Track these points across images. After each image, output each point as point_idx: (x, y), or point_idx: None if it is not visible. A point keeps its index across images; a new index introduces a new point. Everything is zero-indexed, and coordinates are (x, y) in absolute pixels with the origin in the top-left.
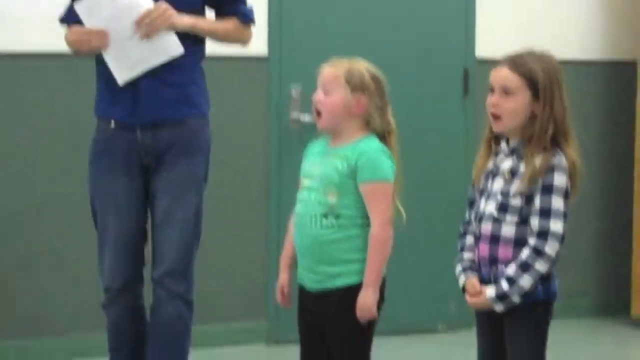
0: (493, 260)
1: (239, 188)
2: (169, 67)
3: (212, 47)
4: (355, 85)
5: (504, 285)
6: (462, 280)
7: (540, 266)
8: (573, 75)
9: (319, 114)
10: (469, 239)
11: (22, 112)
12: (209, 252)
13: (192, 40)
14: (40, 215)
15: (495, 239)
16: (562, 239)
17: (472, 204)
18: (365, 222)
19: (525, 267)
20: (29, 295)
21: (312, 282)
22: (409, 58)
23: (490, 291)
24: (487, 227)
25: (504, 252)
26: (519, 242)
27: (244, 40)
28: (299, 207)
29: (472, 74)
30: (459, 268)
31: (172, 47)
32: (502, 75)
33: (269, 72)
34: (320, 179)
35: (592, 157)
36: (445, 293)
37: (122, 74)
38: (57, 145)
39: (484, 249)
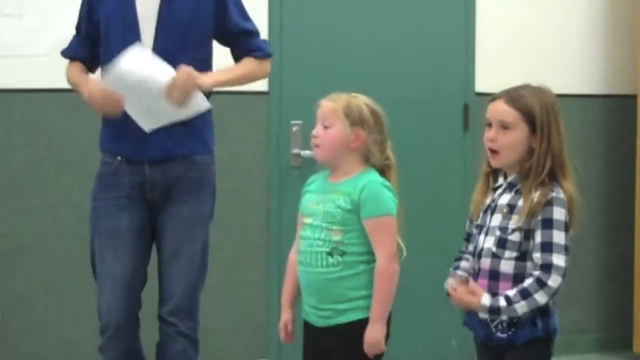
0: (493, 296)
1: (238, 225)
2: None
3: None
4: (354, 119)
5: (502, 302)
6: (454, 278)
7: (540, 297)
8: (574, 108)
9: (317, 147)
10: (464, 263)
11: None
12: (209, 291)
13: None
14: (40, 249)
15: (494, 274)
16: (564, 272)
17: (468, 238)
18: (370, 257)
19: (525, 294)
20: (27, 332)
21: (318, 318)
22: (409, 93)
23: (486, 299)
24: (486, 263)
25: (504, 287)
26: (518, 278)
27: (264, 76)
28: (302, 245)
29: (472, 109)
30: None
31: (199, 104)
32: (499, 110)
33: (269, 107)
34: (322, 217)
35: (593, 192)
36: (447, 329)
37: (148, 124)
38: (60, 178)
39: (483, 284)
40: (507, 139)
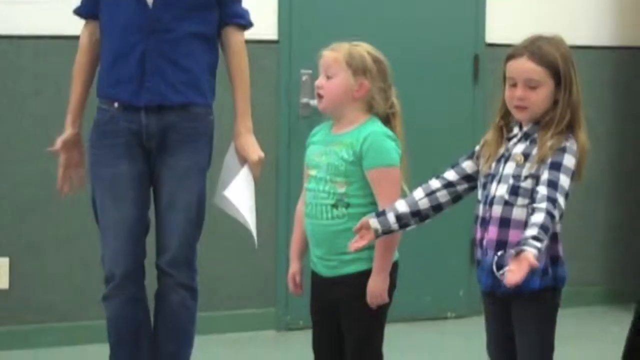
0: (501, 244)
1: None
2: (181, 51)
3: None
4: (357, 68)
5: (539, 245)
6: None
7: (550, 225)
8: (584, 61)
9: (321, 98)
10: (432, 182)
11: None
12: (217, 239)
13: (204, 37)
14: (51, 198)
15: (505, 222)
16: (561, 215)
17: (455, 167)
18: (375, 208)
19: (546, 230)
20: (36, 279)
21: (325, 268)
22: (419, 43)
23: (533, 256)
24: (497, 210)
25: (514, 235)
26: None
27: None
28: (308, 197)
29: (482, 60)
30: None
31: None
32: (525, 68)
33: (278, 56)
34: (327, 169)
35: (603, 144)
36: (454, 281)
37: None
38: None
39: (493, 231)
40: (536, 96)
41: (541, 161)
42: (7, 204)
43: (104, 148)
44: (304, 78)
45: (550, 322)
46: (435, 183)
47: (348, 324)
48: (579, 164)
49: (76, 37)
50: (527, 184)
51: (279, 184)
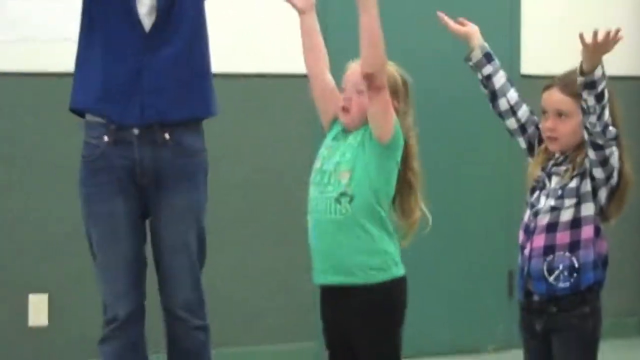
0: (549, 250)
1: (283, 207)
2: (178, 65)
3: (256, 65)
4: (390, 88)
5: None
6: None
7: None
8: (624, 91)
9: (347, 111)
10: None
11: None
12: (255, 273)
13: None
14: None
15: (552, 227)
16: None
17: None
18: (378, 209)
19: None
20: (75, 313)
21: (328, 273)
22: (452, 75)
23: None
24: (544, 219)
25: (561, 237)
26: (575, 223)
27: None
28: (312, 192)
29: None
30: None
31: None
32: (555, 99)
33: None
34: (333, 160)
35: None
36: (493, 314)
37: None
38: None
39: (540, 239)
40: (566, 127)
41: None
42: (44, 238)
43: (96, 186)
44: None
45: (591, 355)
46: (514, 94)
47: (362, 349)
48: (622, 192)
49: None
50: (573, 183)
51: None
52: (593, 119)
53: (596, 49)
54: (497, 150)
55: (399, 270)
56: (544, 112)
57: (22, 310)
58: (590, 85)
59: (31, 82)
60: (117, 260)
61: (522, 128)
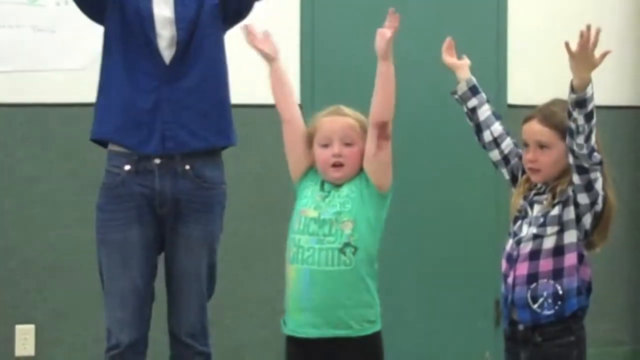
0: (532, 277)
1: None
2: (196, 97)
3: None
4: (365, 133)
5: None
6: None
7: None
8: (608, 121)
9: (339, 166)
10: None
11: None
12: (242, 305)
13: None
14: (76, 265)
15: (535, 254)
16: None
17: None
18: (374, 266)
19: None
20: (61, 345)
21: (317, 326)
22: (440, 102)
23: None
24: (526, 247)
25: (544, 264)
26: (558, 251)
27: None
28: (310, 242)
29: (504, 122)
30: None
31: None
32: (535, 130)
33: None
34: (332, 210)
35: (625, 202)
36: (480, 342)
37: None
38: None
39: (523, 267)
40: (546, 158)
41: (564, 188)
42: (32, 270)
43: (114, 212)
44: None
45: None
46: (498, 127)
47: None
48: (606, 219)
49: None
50: (554, 211)
51: None
52: (581, 139)
53: (582, 54)
54: (485, 179)
55: (380, 322)
56: (525, 144)
57: (9, 340)
58: (581, 103)
59: (22, 112)
60: (125, 288)
61: (506, 159)
